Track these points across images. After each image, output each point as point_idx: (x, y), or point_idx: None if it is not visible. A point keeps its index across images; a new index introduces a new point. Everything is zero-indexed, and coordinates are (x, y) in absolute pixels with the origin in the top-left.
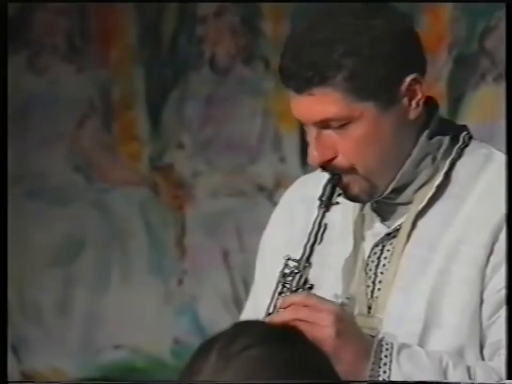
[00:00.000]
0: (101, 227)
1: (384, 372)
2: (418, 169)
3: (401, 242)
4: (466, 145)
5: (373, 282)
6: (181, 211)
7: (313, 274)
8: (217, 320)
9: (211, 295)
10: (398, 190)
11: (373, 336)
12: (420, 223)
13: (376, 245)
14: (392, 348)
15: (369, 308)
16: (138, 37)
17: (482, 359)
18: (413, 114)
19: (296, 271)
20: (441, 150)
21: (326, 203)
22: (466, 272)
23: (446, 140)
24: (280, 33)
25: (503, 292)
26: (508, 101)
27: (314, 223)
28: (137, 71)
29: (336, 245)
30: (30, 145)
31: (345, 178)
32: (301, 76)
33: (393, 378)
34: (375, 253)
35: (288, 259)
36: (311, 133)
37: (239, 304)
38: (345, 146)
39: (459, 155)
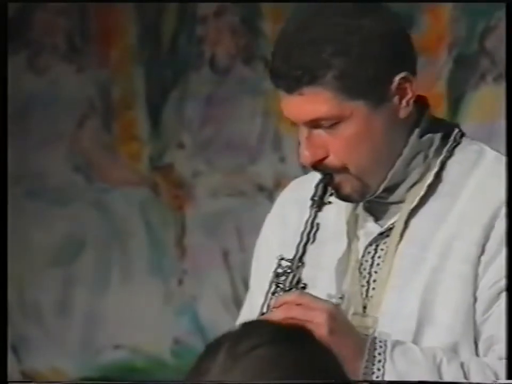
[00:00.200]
0: (101, 227)
1: (379, 370)
2: (409, 168)
3: (395, 241)
4: (458, 144)
5: (368, 282)
6: (181, 211)
7: (307, 275)
8: (217, 320)
9: (211, 295)
10: (390, 189)
11: (367, 335)
12: (413, 221)
13: (369, 245)
14: (386, 345)
15: (365, 307)
16: (138, 37)
17: (477, 355)
18: (403, 113)
19: (289, 270)
20: (433, 149)
21: (318, 203)
22: (460, 268)
23: (437, 138)
24: None
25: (495, 289)
26: (507, 101)
27: (306, 222)
28: (137, 71)
29: (330, 245)
30: (30, 145)
31: (337, 178)
32: (290, 75)
33: (387, 375)
34: (369, 253)
35: (281, 259)
36: (302, 132)
37: (239, 304)
38: (336, 146)
39: (450, 153)
